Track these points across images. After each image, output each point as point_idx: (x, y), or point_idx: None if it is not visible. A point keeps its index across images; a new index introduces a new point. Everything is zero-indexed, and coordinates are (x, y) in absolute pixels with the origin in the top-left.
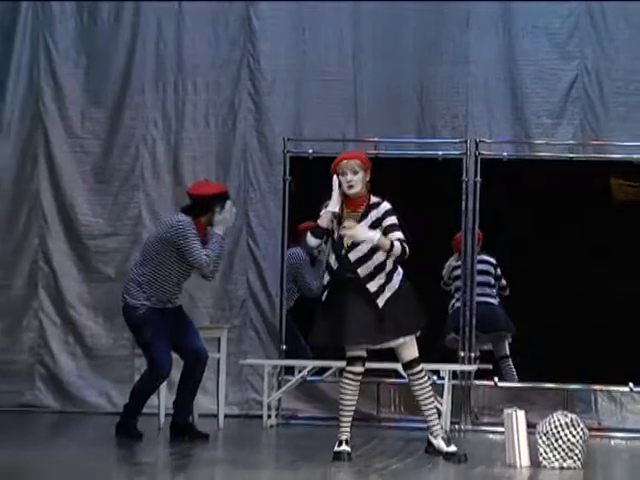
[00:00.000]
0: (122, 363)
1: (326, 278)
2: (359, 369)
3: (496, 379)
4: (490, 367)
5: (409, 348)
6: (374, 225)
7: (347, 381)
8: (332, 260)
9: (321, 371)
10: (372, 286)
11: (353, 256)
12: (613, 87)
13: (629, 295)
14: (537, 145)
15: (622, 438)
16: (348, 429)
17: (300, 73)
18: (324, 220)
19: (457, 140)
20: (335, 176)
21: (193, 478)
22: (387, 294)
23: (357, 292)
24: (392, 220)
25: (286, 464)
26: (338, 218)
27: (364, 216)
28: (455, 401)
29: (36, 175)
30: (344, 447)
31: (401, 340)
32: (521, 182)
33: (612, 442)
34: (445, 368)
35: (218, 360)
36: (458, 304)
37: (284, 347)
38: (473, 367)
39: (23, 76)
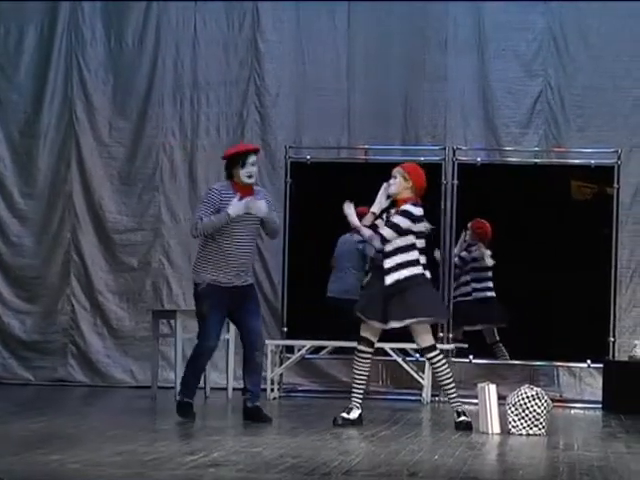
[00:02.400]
0: (144, 343)
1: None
2: (361, 347)
3: (471, 357)
4: (466, 346)
5: (421, 335)
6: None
7: (355, 358)
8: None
9: (318, 350)
10: (387, 263)
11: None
12: (573, 101)
13: (587, 283)
14: (507, 152)
15: (580, 408)
16: (356, 400)
17: (300, 89)
18: (367, 220)
19: (437, 147)
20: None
21: (204, 442)
22: (397, 276)
23: (380, 275)
24: (394, 218)
25: (287, 430)
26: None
27: (395, 214)
28: (434, 376)
29: (69, 178)
30: (341, 414)
31: (407, 321)
32: (493, 184)
33: (572, 412)
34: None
35: (227, 340)
36: (479, 294)
37: (285, 329)
38: (451, 346)
39: (58, 91)
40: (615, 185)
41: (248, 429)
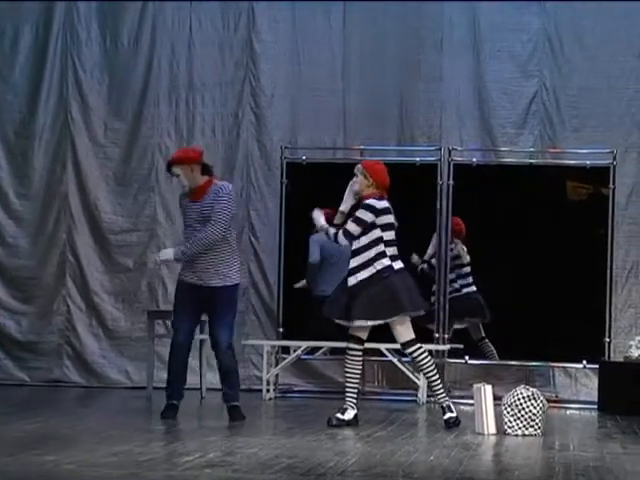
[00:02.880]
0: (139, 344)
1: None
2: (351, 345)
3: (467, 357)
4: (461, 346)
5: (399, 331)
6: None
7: (346, 357)
8: None
9: (313, 350)
10: (351, 263)
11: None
12: (568, 102)
13: (583, 283)
14: (502, 152)
15: (576, 409)
16: (350, 400)
17: (295, 89)
18: (337, 219)
19: (432, 148)
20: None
21: (200, 443)
22: (360, 276)
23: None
24: (357, 212)
25: (282, 431)
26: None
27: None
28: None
29: (64, 178)
30: (336, 414)
31: (371, 322)
32: (488, 184)
33: (567, 412)
34: (425, 347)
35: None
36: (467, 289)
37: (281, 329)
38: (446, 347)
39: (54, 92)
40: (610, 186)
41: (244, 430)
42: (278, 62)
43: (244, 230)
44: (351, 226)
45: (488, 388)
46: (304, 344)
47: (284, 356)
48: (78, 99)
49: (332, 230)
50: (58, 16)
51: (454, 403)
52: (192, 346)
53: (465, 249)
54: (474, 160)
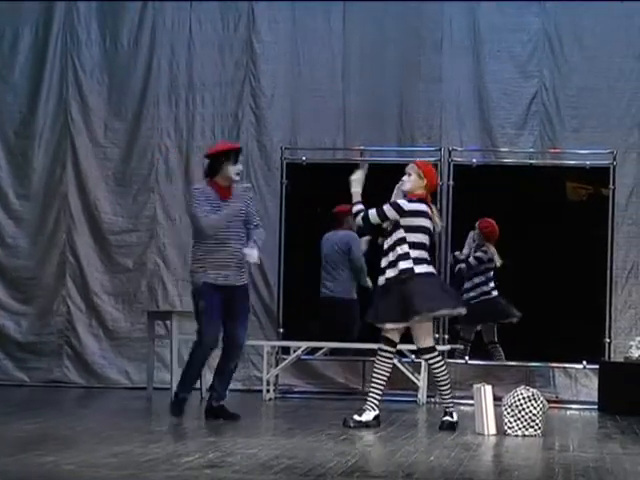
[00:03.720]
0: (139, 344)
1: None
2: (383, 347)
3: (467, 358)
4: (461, 347)
5: (420, 336)
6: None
7: (376, 358)
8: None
9: (314, 350)
10: (382, 262)
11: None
12: (568, 102)
13: (583, 284)
14: (502, 153)
15: (576, 409)
16: (372, 401)
17: (295, 90)
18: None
19: (432, 148)
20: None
21: (200, 444)
22: (387, 275)
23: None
24: (385, 205)
25: (282, 432)
26: None
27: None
28: (431, 377)
29: (64, 179)
30: (353, 415)
31: (392, 325)
32: (488, 185)
33: (568, 413)
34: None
35: None
36: (496, 292)
37: (281, 330)
38: (447, 347)
39: (53, 92)
40: (610, 186)
41: (244, 430)
42: (278, 62)
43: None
44: (371, 212)
45: (488, 388)
46: (304, 344)
47: (284, 357)
48: (78, 99)
49: (355, 207)
50: (58, 17)
51: (454, 403)
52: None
53: (495, 252)
54: (474, 161)
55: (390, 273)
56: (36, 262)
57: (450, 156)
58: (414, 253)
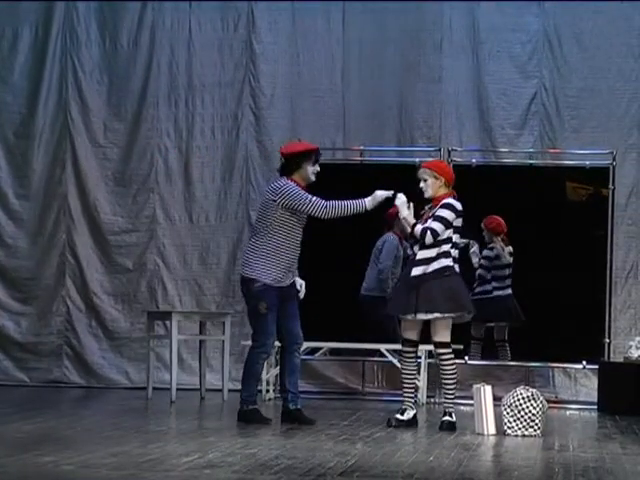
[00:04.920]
0: (138, 344)
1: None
2: (404, 348)
3: (466, 358)
4: (461, 347)
5: (440, 330)
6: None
7: (401, 360)
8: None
9: (313, 351)
10: (420, 254)
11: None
12: (567, 102)
13: (583, 284)
14: (502, 153)
15: (576, 409)
16: (408, 400)
17: (295, 90)
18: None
19: (432, 148)
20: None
21: (200, 444)
22: (424, 268)
23: (409, 268)
24: (439, 211)
25: (282, 432)
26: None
27: (440, 207)
28: (431, 377)
29: (64, 179)
30: (395, 415)
31: (429, 316)
32: (488, 185)
33: (567, 413)
34: (421, 348)
35: (223, 342)
36: (499, 292)
37: None
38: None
39: (53, 92)
40: (610, 186)
41: (243, 430)
42: (278, 63)
43: (244, 230)
44: (438, 226)
45: (488, 388)
46: (304, 344)
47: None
48: (78, 100)
49: (419, 226)
50: (57, 17)
51: (454, 404)
52: (196, 347)
53: (506, 249)
54: (474, 161)
55: (428, 268)
56: (36, 262)
57: (450, 156)
58: (454, 252)
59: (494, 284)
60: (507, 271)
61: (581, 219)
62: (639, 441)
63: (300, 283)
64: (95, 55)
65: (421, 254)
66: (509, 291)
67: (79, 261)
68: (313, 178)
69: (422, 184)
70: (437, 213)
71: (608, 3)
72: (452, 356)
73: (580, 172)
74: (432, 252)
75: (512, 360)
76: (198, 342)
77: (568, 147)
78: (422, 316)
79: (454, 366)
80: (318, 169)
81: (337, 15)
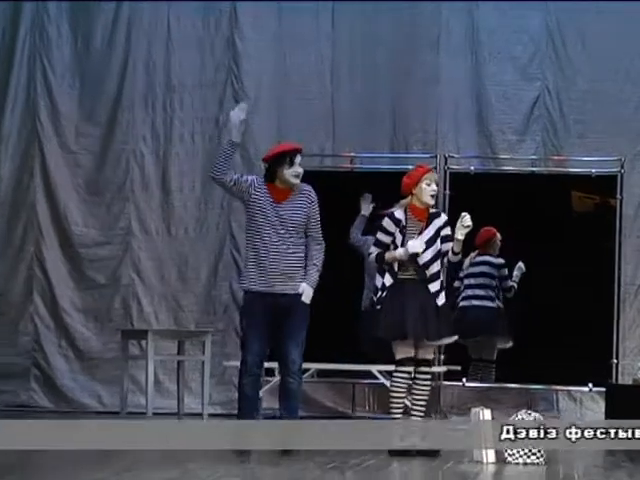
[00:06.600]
0: (112, 365)
1: (387, 279)
2: (411, 368)
3: (464, 380)
4: (459, 368)
5: (428, 348)
6: (437, 232)
7: (401, 380)
8: (395, 264)
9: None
10: (432, 287)
11: (420, 260)
12: (572, 106)
13: (589, 300)
14: (502, 160)
15: None
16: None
17: (281, 92)
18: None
19: (428, 155)
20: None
21: (179, 471)
22: (442, 298)
23: (415, 292)
24: (448, 231)
25: (268, 458)
26: (402, 225)
27: (427, 225)
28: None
29: (32, 187)
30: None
31: (448, 340)
32: (487, 194)
33: None
34: (435, 369)
35: (203, 362)
36: (464, 302)
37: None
38: (443, 368)
39: (21, 95)
40: (618, 196)
41: (226, 457)
42: (262, 62)
43: (225, 242)
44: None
45: (487, 412)
46: None
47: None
48: (47, 103)
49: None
50: (26, 15)
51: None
52: (173, 368)
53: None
54: (472, 168)
55: (442, 298)
56: (1, 277)
57: (446, 163)
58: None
59: (485, 293)
60: (487, 280)
61: (587, 231)
62: None
63: (302, 287)
64: (66, 55)
65: (433, 267)
66: (488, 303)
67: (48, 276)
68: (293, 181)
69: (435, 187)
70: (449, 234)
71: (615, 2)
72: (430, 375)
73: (586, 181)
74: (438, 266)
75: (512, 382)
76: (176, 363)
77: (573, 154)
78: (446, 340)
79: (429, 388)
80: (299, 170)
81: (326, 12)
